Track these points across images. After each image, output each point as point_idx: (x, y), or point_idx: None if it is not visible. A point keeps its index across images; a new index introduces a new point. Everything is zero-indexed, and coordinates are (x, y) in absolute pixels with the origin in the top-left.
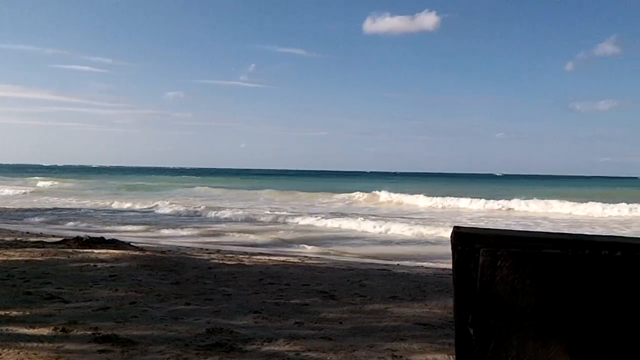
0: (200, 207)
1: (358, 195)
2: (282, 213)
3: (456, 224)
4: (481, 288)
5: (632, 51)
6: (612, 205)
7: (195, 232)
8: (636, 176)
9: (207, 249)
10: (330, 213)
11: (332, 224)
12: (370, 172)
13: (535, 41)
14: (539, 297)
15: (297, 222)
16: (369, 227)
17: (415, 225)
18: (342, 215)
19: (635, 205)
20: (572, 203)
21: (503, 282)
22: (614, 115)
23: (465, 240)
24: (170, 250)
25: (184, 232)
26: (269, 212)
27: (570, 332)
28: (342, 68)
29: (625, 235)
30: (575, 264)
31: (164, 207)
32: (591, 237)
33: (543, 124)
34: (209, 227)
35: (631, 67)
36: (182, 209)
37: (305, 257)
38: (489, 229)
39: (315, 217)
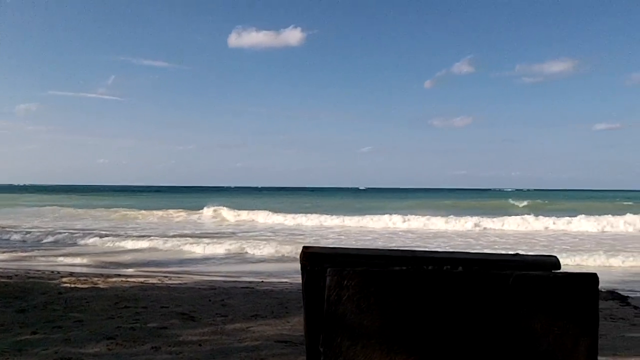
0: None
1: (206, 212)
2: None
3: (306, 244)
4: (328, 308)
5: (485, 71)
6: (466, 217)
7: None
8: (489, 188)
9: (58, 272)
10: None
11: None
12: (235, 187)
13: (397, 59)
14: (384, 314)
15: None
16: (214, 247)
17: (272, 242)
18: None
19: (484, 218)
20: (425, 217)
21: (349, 302)
22: (469, 131)
23: (314, 259)
24: (17, 275)
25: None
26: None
27: (416, 347)
28: (206, 81)
29: (474, 250)
30: (419, 280)
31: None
32: (434, 253)
33: (405, 138)
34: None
35: (484, 86)
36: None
37: (165, 277)
38: (338, 248)
39: (154, 239)
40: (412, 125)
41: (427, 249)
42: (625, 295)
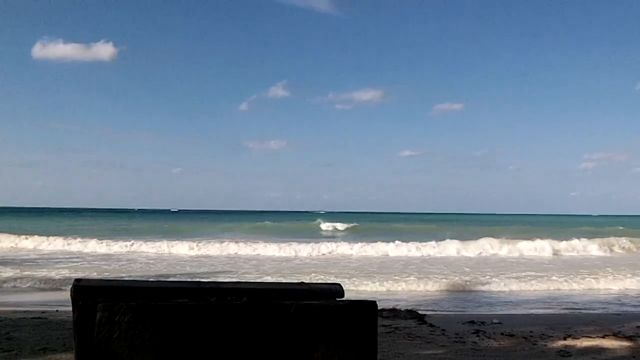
0: None
1: None
2: None
3: (77, 277)
4: (98, 346)
5: (300, 96)
6: (284, 240)
7: None
8: (302, 210)
9: None
10: None
11: None
12: (35, 208)
13: (212, 80)
14: (161, 351)
15: None
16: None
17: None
18: None
19: (294, 242)
20: (226, 242)
21: (121, 339)
22: (283, 154)
23: (86, 293)
24: None
25: None
26: None
27: None
28: (4, 93)
29: (282, 276)
30: (198, 314)
31: None
32: (219, 284)
33: (220, 160)
34: None
35: (300, 111)
36: None
37: None
38: (114, 280)
39: None
40: (227, 148)
41: (218, 279)
42: (423, 313)
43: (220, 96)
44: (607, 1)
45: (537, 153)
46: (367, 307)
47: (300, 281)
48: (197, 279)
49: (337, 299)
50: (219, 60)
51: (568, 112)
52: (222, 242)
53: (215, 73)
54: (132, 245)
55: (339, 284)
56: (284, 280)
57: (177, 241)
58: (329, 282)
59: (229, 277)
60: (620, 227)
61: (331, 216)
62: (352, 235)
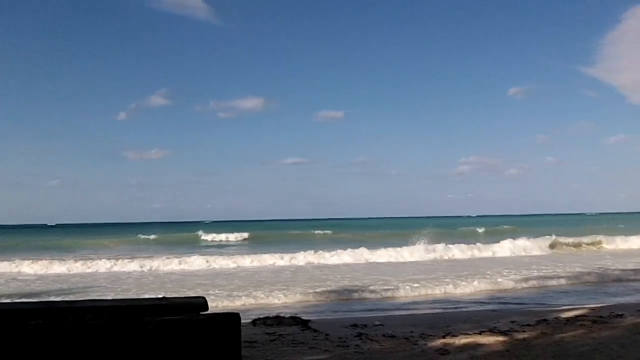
0: None
1: None
2: None
3: None
4: None
5: (182, 104)
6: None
7: None
8: (186, 220)
9: None
10: None
11: None
12: None
13: (88, 88)
14: None
15: None
16: None
17: None
18: None
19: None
20: (103, 259)
21: None
22: (165, 164)
23: None
24: None
25: None
26: None
27: None
28: None
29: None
30: (53, 334)
31: None
32: (76, 303)
33: (98, 171)
34: None
35: (181, 120)
36: None
37: None
38: None
39: None
40: (107, 158)
41: (92, 297)
42: (307, 319)
43: (97, 107)
44: (479, 10)
45: (416, 158)
46: (229, 320)
47: (162, 296)
48: (70, 299)
49: (201, 312)
50: (95, 70)
51: (444, 118)
52: (101, 258)
53: (91, 83)
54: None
55: (203, 297)
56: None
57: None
58: (193, 295)
59: (106, 294)
60: (506, 226)
61: (215, 226)
62: (238, 246)
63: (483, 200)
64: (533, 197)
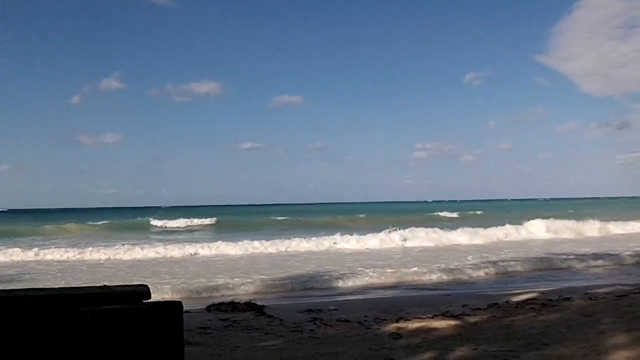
0: None
1: None
2: None
3: None
4: None
5: (136, 88)
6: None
7: None
8: (140, 206)
9: None
10: None
11: None
12: None
13: (41, 75)
14: None
15: None
16: None
17: None
18: None
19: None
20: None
21: None
22: (119, 148)
23: None
24: None
25: None
26: None
27: None
28: None
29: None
30: None
31: None
32: (8, 292)
33: (52, 157)
34: None
35: (136, 103)
36: None
37: None
38: None
39: None
40: (60, 143)
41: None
42: (262, 305)
43: (49, 90)
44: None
45: (373, 144)
46: (171, 308)
47: (103, 284)
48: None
49: (144, 301)
50: (47, 52)
51: (401, 104)
52: (53, 246)
53: (43, 65)
54: None
55: (146, 285)
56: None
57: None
58: (137, 283)
59: (41, 284)
60: (471, 212)
61: (170, 212)
62: (193, 232)
63: (439, 186)
64: (488, 183)
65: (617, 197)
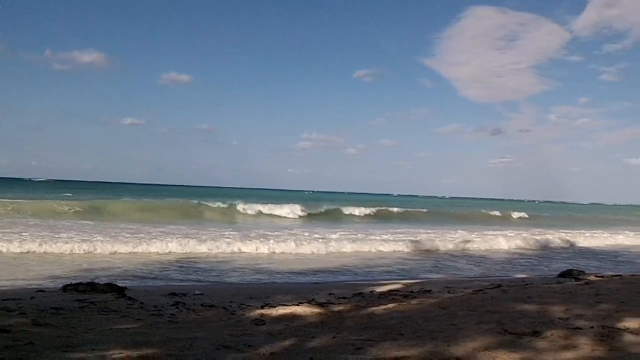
0: None
1: None
2: None
3: None
4: None
5: (9, 51)
6: None
7: None
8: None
9: None
10: None
11: None
12: None
13: None
14: None
15: None
16: None
17: None
18: None
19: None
20: None
21: None
22: None
23: None
24: None
25: None
26: None
27: None
28: None
29: None
30: None
31: None
32: None
33: None
34: None
35: (8, 68)
36: None
37: None
38: None
39: None
40: None
41: None
42: (123, 286)
43: None
44: None
45: (260, 131)
46: None
47: None
48: None
49: None
50: None
51: (291, 93)
52: None
53: None
54: None
55: None
56: None
57: None
58: None
59: None
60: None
61: (42, 186)
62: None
63: (321, 177)
64: (371, 177)
65: (492, 199)
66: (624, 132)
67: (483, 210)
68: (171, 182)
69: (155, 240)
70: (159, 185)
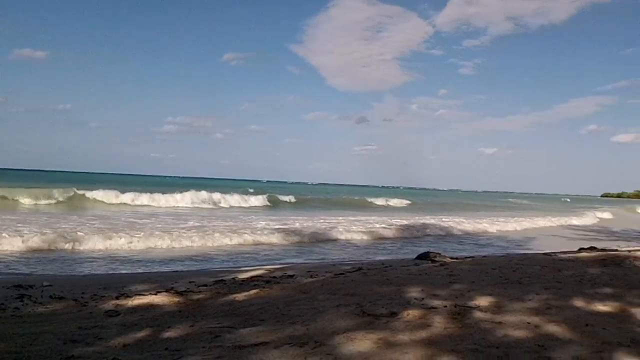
0: None
1: None
2: None
3: None
4: None
5: None
6: None
7: None
8: None
9: None
10: None
11: None
12: None
13: None
14: None
15: None
16: None
17: None
18: None
19: None
20: None
21: None
22: None
23: None
24: None
25: None
26: None
27: None
28: None
29: None
30: None
31: None
32: None
33: None
34: None
35: None
36: None
37: None
38: None
39: None
40: None
41: None
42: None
43: None
44: None
45: (122, 113)
46: None
47: None
48: None
49: None
50: None
51: (155, 74)
52: None
53: None
54: None
55: None
56: None
57: None
58: None
59: None
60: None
61: None
62: None
63: (187, 162)
64: (239, 163)
65: (356, 185)
66: (479, 123)
67: (344, 196)
68: (25, 166)
69: None
70: (12, 170)
